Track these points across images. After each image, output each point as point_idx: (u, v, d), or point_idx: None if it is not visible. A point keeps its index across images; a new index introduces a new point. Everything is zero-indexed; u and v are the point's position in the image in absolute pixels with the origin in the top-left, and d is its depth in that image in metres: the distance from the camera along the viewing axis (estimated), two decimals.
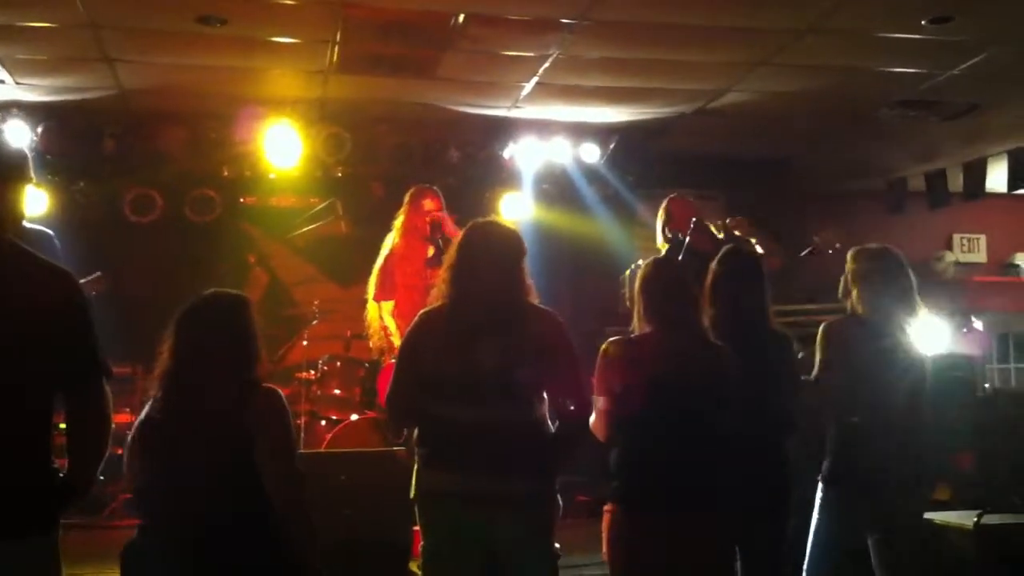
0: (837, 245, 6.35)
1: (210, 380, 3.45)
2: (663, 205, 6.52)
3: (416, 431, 3.80)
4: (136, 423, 3.56)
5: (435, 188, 6.57)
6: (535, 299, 3.83)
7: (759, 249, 6.29)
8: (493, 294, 3.71)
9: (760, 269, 4.48)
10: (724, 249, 4.64)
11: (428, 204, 6.41)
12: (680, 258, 6.06)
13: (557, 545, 3.82)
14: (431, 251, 6.37)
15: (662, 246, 6.43)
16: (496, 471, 3.57)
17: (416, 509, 3.76)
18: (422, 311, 3.88)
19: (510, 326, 3.69)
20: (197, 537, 3.35)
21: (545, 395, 3.74)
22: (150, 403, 3.54)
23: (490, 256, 3.77)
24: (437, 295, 3.83)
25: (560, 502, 3.80)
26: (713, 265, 4.52)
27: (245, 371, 3.50)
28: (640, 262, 4.44)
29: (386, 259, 6.49)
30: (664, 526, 3.77)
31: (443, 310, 3.77)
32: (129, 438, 3.55)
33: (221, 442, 3.39)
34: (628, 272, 6.50)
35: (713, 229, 6.43)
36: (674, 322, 3.99)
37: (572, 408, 3.76)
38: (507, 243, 3.83)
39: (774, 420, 4.26)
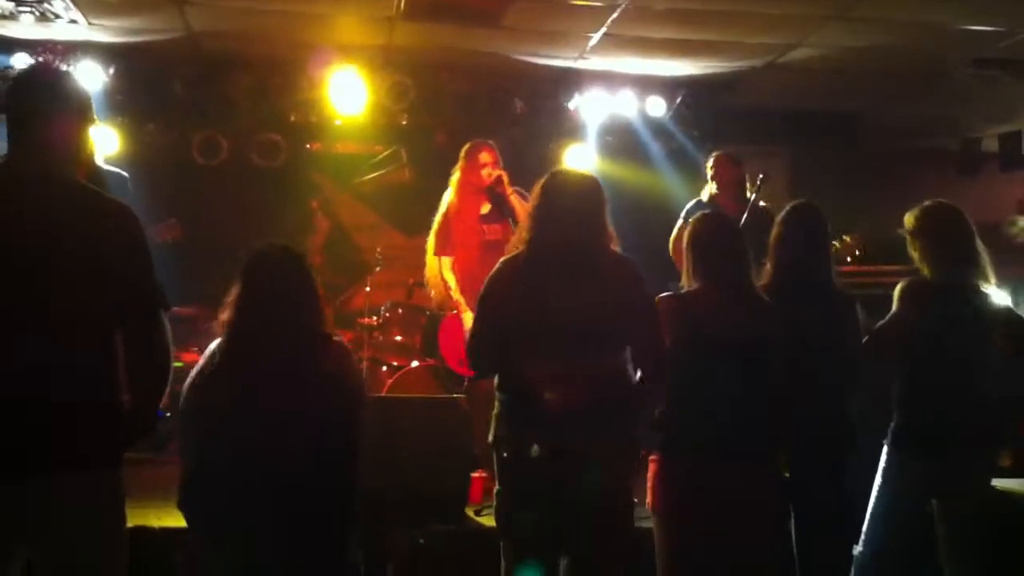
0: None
1: (281, 328, 3.50)
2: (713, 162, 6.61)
3: (496, 381, 3.79)
4: (195, 374, 3.56)
5: (490, 143, 6.52)
6: (617, 248, 3.79)
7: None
8: (574, 242, 3.67)
9: (825, 228, 4.43)
10: (789, 206, 4.59)
11: (484, 157, 6.36)
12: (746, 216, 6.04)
13: (636, 500, 3.82)
14: (485, 208, 6.36)
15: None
16: (575, 421, 3.54)
17: (493, 454, 3.77)
18: (502, 259, 3.85)
19: (591, 275, 3.64)
20: (269, 484, 3.41)
21: (626, 345, 3.69)
22: (211, 353, 3.56)
23: (571, 204, 3.73)
24: (517, 243, 3.81)
25: (639, 452, 3.79)
26: (777, 223, 4.48)
27: (314, 321, 3.56)
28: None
29: (443, 215, 6.49)
30: (707, 477, 3.80)
31: (523, 258, 3.74)
32: (186, 392, 3.55)
33: (295, 389, 3.45)
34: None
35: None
36: (723, 279, 3.98)
37: (650, 360, 3.72)
38: (588, 191, 3.79)
39: (833, 381, 4.24)
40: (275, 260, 3.60)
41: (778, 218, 4.51)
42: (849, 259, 6.25)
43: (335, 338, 3.66)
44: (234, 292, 3.55)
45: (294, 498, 3.41)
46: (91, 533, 2.95)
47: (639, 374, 3.73)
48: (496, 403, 3.77)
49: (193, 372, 3.58)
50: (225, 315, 3.56)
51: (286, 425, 3.42)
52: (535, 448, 3.57)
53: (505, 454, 3.72)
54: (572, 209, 3.71)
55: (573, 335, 3.56)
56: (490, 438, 3.77)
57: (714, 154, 6.70)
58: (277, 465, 3.40)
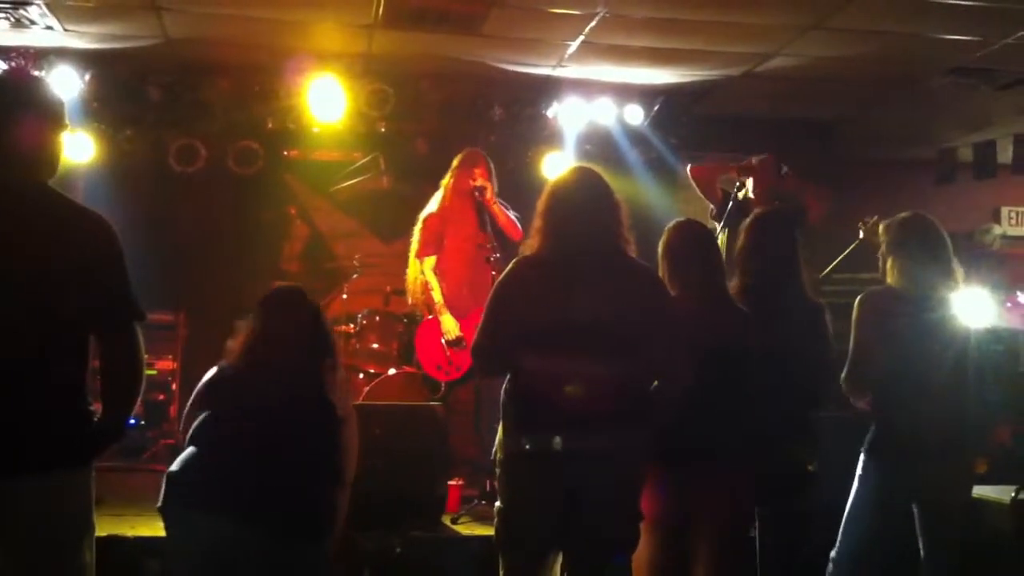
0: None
1: (293, 358, 3.65)
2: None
3: (506, 387, 3.68)
4: (206, 380, 3.74)
5: (485, 156, 6.61)
6: (633, 252, 3.72)
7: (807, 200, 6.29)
8: (593, 244, 3.60)
9: (794, 236, 4.44)
10: (755, 214, 4.60)
11: (477, 171, 6.46)
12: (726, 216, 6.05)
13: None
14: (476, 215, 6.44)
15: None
16: (592, 428, 3.47)
17: (499, 471, 3.68)
18: (517, 258, 3.77)
19: (612, 279, 3.59)
20: (265, 468, 3.48)
21: (644, 351, 3.62)
22: (223, 366, 3.72)
23: (590, 203, 3.66)
24: (532, 243, 3.71)
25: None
26: (744, 230, 4.48)
27: (326, 358, 3.71)
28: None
29: (432, 216, 6.53)
30: (679, 480, 3.82)
31: (540, 257, 3.65)
32: (196, 392, 3.74)
33: (295, 407, 3.57)
34: None
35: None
36: (697, 285, 4.00)
37: (668, 366, 3.66)
38: (605, 191, 3.73)
39: (801, 391, 4.25)
40: (293, 305, 3.81)
41: (745, 225, 4.52)
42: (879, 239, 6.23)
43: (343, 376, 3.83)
44: (251, 325, 3.73)
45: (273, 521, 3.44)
46: (59, 538, 2.93)
47: (658, 383, 3.68)
48: (503, 413, 3.67)
49: (204, 379, 3.76)
50: (237, 344, 3.72)
51: (275, 455, 3.50)
52: (557, 440, 3.48)
53: (517, 462, 3.60)
54: (591, 210, 3.64)
55: (594, 338, 3.49)
56: (496, 454, 3.68)
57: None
58: (262, 488, 3.47)
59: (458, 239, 6.48)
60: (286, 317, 3.73)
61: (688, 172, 6.71)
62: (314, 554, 3.57)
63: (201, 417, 3.64)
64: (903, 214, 4.40)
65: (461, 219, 6.49)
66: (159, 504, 3.58)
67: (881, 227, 4.42)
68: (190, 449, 3.63)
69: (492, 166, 6.55)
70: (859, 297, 4.29)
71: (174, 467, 3.61)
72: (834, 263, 6.48)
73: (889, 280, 4.32)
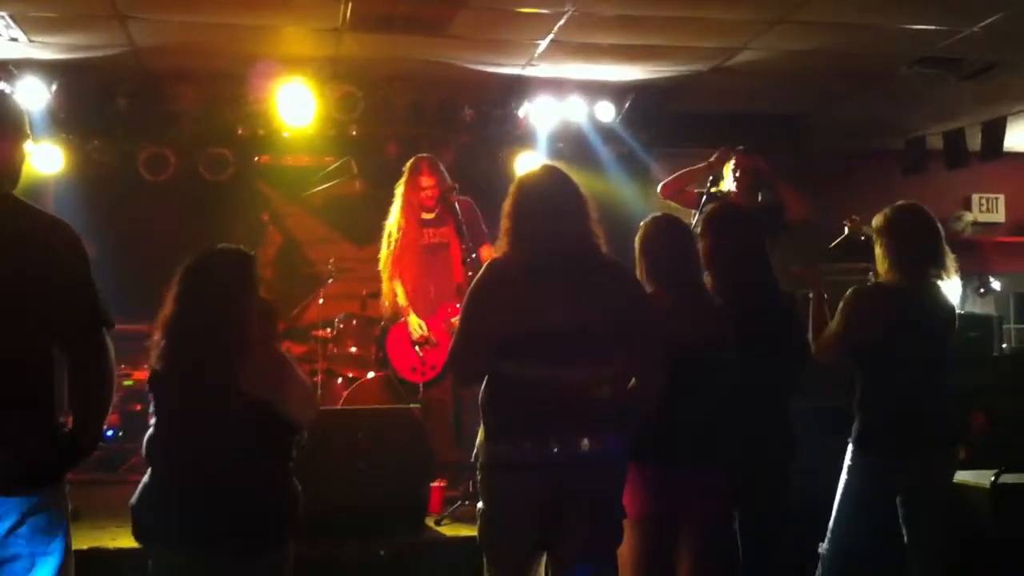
0: (867, 229, 6.27)
1: (206, 336, 3.45)
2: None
3: (484, 394, 3.57)
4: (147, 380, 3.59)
5: (431, 159, 6.58)
6: (604, 247, 3.62)
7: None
8: (564, 242, 3.51)
9: (755, 228, 4.45)
10: (706, 212, 4.61)
11: (424, 181, 6.45)
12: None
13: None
14: (427, 215, 6.49)
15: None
16: (573, 435, 3.41)
17: (480, 476, 3.60)
18: (490, 261, 3.66)
19: (585, 278, 3.49)
20: (202, 484, 3.37)
21: (622, 352, 3.54)
22: (155, 353, 3.55)
23: (555, 201, 3.56)
24: (501, 245, 3.61)
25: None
26: (701, 229, 4.48)
27: (240, 328, 3.49)
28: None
29: (391, 226, 6.57)
30: (662, 478, 3.80)
31: (511, 260, 3.54)
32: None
33: (218, 396, 3.40)
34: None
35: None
36: (674, 281, 3.97)
37: (645, 367, 3.59)
38: (570, 187, 3.63)
39: (776, 381, 4.26)
40: (210, 263, 3.63)
41: (700, 223, 4.54)
42: (863, 237, 6.24)
43: (262, 348, 3.55)
44: (168, 294, 3.56)
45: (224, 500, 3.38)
46: (36, 554, 2.90)
47: (633, 384, 3.61)
48: (483, 418, 3.57)
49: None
50: (159, 319, 3.56)
51: (198, 438, 3.39)
52: (538, 446, 3.39)
53: (497, 469, 3.52)
54: (560, 208, 3.54)
55: (570, 342, 3.41)
56: (477, 457, 3.59)
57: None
58: (205, 468, 3.38)
59: (411, 245, 6.51)
60: (198, 299, 3.51)
61: (659, 193, 6.70)
62: (257, 568, 3.45)
63: (146, 434, 3.57)
64: (898, 203, 4.41)
65: (411, 225, 6.52)
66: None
67: (876, 217, 4.43)
68: (145, 476, 3.56)
69: (438, 164, 6.54)
70: (851, 288, 4.33)
71: (133, 499, 3.51)
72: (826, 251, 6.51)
73: (879, 267, 4.35)
